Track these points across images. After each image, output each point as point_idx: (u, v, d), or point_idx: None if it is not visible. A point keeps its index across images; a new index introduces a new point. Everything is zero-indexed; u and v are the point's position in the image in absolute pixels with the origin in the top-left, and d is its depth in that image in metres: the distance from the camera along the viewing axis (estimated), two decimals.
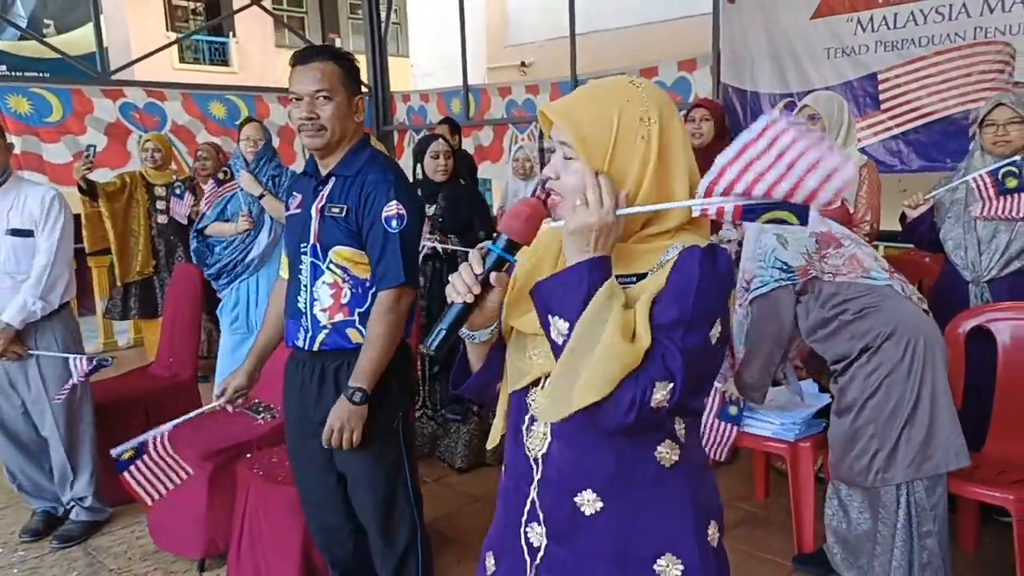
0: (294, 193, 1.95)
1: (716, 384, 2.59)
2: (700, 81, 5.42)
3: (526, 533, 1.17)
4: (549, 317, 1.03)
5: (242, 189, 3.54)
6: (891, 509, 2.20)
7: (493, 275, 1.04)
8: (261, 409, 2.98)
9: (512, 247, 1.05)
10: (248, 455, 2.61)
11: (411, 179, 3.35)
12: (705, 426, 2.63)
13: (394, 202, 1.78)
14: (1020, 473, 2.32)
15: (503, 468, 1.24)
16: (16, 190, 2.72)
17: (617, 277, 1.05)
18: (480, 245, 1.07)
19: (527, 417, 1.15)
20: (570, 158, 1.06)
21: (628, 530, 1.11)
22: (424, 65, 12.83)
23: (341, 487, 1.97)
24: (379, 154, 1.89)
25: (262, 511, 2.38)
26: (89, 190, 4.40)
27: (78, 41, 8.24)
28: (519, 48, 11.77)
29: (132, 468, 2.13)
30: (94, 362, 2.74)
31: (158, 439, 2.16)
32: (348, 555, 2.05)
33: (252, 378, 2.08)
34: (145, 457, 2.14)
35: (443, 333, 1.04)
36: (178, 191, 4.44)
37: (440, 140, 3.41)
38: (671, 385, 0.99)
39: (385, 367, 1.81)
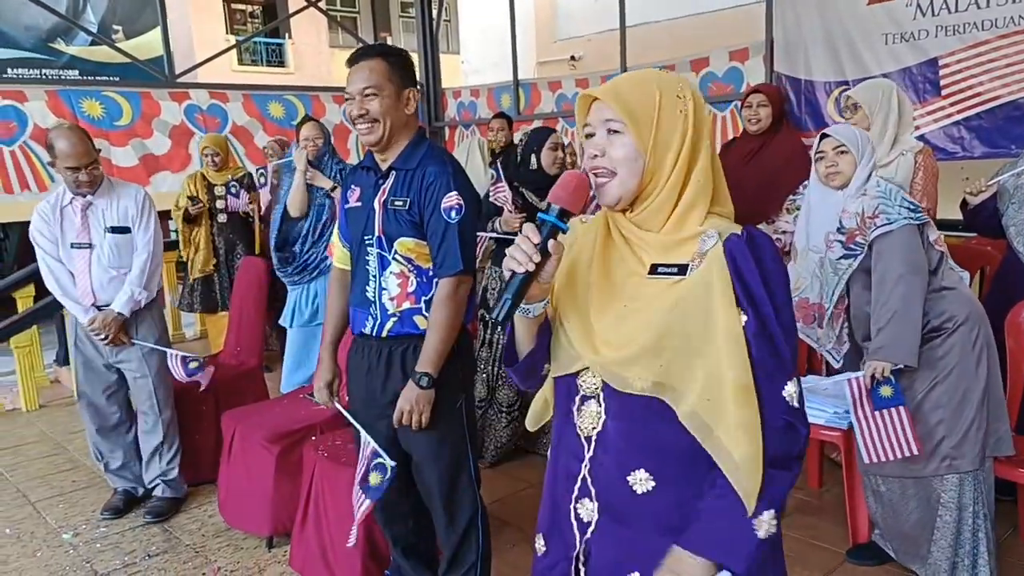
0: (352, 187, 2.04)
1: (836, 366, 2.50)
2: (752, 71, 5.36)
3: (576, 509, 1.22)
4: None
5: (311, 186, 3.63)
6: (953, 496, 2.19)
7: (551, 243, 1.09)
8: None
9: (564, 215, 1.10)
10: (313, 438, 2.73)
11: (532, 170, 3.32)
12: (861, 430, 2.28)
13: (453, 193, 1.85)
14: None
15: (550, 449, 1.28)
16: (110, 192, 2.97)
17: (659, 267, 1.12)
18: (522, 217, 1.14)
19: (578, 398, 1.20)
20: (616, 131, 1.13)
21: (681, 507, 1.15)
22: (474, 61, 12.93)
23: (404, 466, 2.06)
24: (437, 147, 1.97)
25: (327, 490, 2.49)
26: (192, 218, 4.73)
27: (146, 45, 8.60)
28: (568, 42, 11.77)
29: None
30: (188, 365, 3.01)
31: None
32: (408, 532, 2.14)
33: (333, 376, 2.17)
34: None
35: (508, 303, 1.09)
36: (233, 190, 4.64)
37: (556, 132, 3.27)
38: (794, 377, 1.11)
39: (448, 351, 1.89)
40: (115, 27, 10.16)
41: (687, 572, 1.11)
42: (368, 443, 2.00)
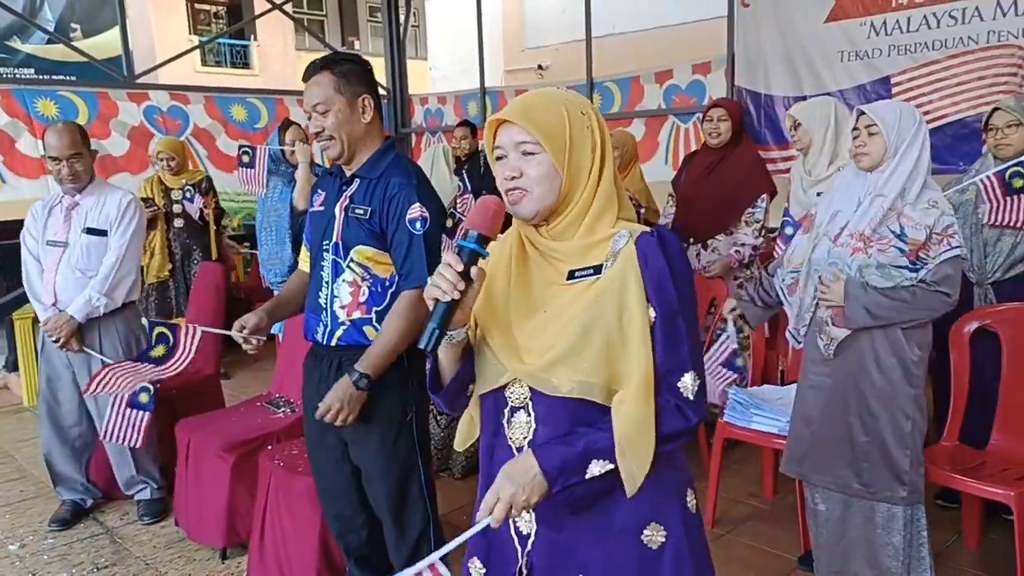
0: (318, 191, 2.02)
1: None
2: (714, 84, 5.46)
3: (515, 523, 1.23)
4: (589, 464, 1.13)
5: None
6: (899, 520, 2.15)
7: (473, 269, 1.11)
8: (281, 403, 3.09)
9: (482, 240, 1.13)
10: (269, 447, 2.70)
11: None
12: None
13: (417, 204, 1.84)
14: (1022, 470, 2.35)
15: (480, 466, 1.29)
16: (98, 193, 2.93)
17: (576, 272, 1.16)
18: (450, 244, 1.16)
19: (507, 410, 1.21)
20: (531, 153, 1.15)
21: (615, 505, 1.18)
22: (442, 68, 12.94)
23: (356, 478, 2.05)
24: (403, 157, 1.96)
25: (283, 501, 2.47)
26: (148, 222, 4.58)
27: (104, 45, 8.43)
28: (536, 51, 11.85)
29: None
30: (137, 396, 2.72)
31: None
32: (362, 543, 2.13)
33: (266, 321, 2.07)
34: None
35: (436, 332, 1.11)
36: (188, 194, 4.52)
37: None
38: (692, 372, 1.15)
39: (396, 360, 1.88)
40: (73, 25, 9.95)
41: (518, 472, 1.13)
42: None
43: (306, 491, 2.35)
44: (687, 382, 1.15)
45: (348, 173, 1.94)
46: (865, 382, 2.11)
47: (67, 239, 2.88)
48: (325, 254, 1.94)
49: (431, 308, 1.12)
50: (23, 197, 5.26)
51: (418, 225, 1.84)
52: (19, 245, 3.02)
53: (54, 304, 2.88)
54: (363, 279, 1.91)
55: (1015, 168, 2.46)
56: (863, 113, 2.10)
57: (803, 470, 2.29)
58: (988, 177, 2.50)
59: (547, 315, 1.17)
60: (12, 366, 4.95)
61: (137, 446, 2.72)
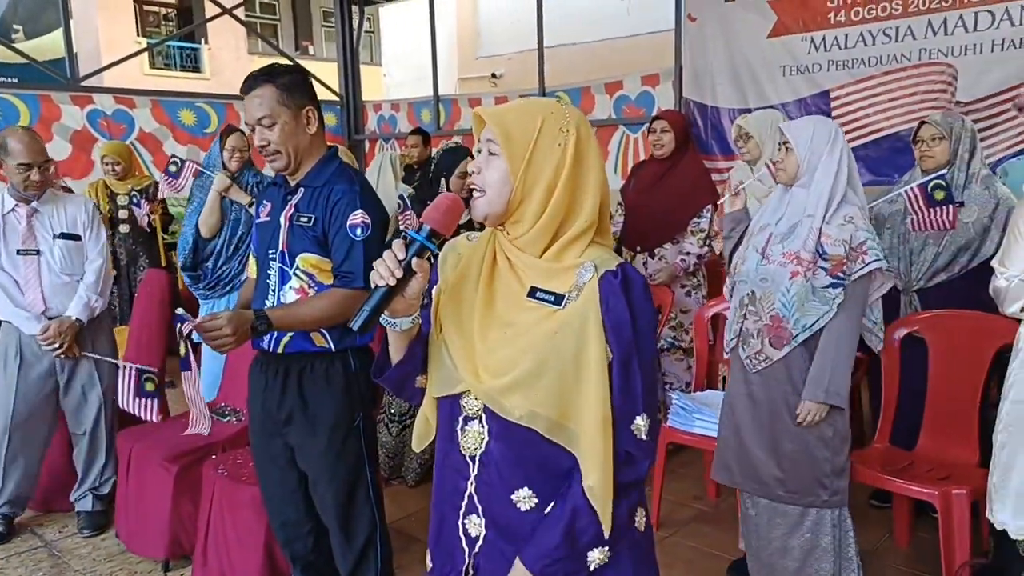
0: (264, 202, 2.03)
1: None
2: (663, 95, 5.58)
3: (464, 525, 1.25)
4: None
5: (226, 198, 3.55)
6: (827, 522, 2.22)
7: (415, 261, 1.12)
8: (227, 412, 3.06)
9: (433, 236, 1.13)
10: (213, 456, 2.67)
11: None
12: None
13: (359, 211, 1.86)
14: (947, 470, 2.47)
15: (435, 466, 1.31)
16: (54, 200, 2.93)
17: (537, 291, 1.18)
18: (403, 234, 1.17)
19: (461, 418, 1.23)
20: (494, 154, 1.18)
21: None
22: (396, 75, 12.92)
23: (302, 485, 2.05)
24: (347, 166, 1.97)
25: (227, 511, 2.44)
26: None
27: (48, 46, 8.21)
28: (490, 60, 11.93)
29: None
30: (143, 383, 2.69)
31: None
32: (308, 551, 2.12)
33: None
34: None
35: (366, 313, 1.11)
36: (135, 200, 4.44)
37: (469, 158, 3.23)
38: (644, 413, 1.18)
39: (341, 366, 1.90)
40: (15, 26, 9.67)
41: None
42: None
43: (250, 500, 2.34)
44: (639, 424, 1.17)
45: (292, 183, 1.95)
46: (790, 391, 2.19)
47: (38, 246, 2.84)
48: (272, 262, 1.94)
49: (372, 289, 1.13)
50: None
51: (359, 231, 1.86)
52: None
53: (44, 312, 2.83)
54: (309, 286, 1.92)
55: (936, 181, 2.58)
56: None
57: (732, 477, 2.36)
58: (912, 189, 2.62)
59: (507, 335, 1.18)
60: None
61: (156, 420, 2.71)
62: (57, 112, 5.64)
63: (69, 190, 4.83)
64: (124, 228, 4.61)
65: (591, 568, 1.17)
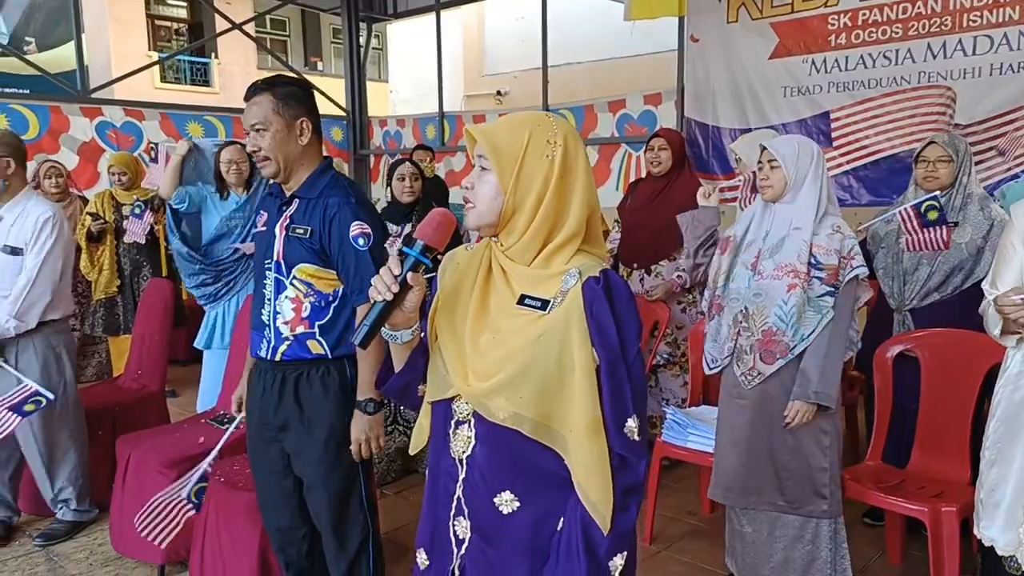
0: (261, 212, 2.07)
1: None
2: (665, 114, 5.64)
3: (453, 527, 1.28)
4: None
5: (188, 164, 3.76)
6: (825, 534, 2.27)
7: (410, 275, 1.17)
8: (226, 420, 3.08)
9: (427, 251, 1.18)
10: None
11: (387, 202, 3.51)
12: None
13: (357, 222, 1.90)
14: (939, 487, 2.48)
15: (428, 468, 1.35)
16: (22, 207, 2.81)
17: (525, 298, 1.21)
18: (398, 248, 1.21)
19: (453, 421, 1.26)
20: (485, 169, 1.22)
21: (541, 530, 1.23)
22: (403, 91, 13.07)
23: (297, 491, 2.07)
24: (342, 177, 2.01)
25: (222, 516, 2.46)
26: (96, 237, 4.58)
27: (59, 59, 8.34)
28: (496, 78, 12.06)
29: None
30: (30, 396, 2.69)
31: (210, 466, 2.24)
32: (302, 557, 2.14)
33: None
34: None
35: (366, 328, 1.16)
36: (137, 211, 4.46)
37: (407, 163, 3.50)
38: (634, 414, 1.20)
39: (336, 377, 1.94)
40: (28, 39, 9.82)
41: None
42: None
43: (246, 507, 2.36)
44: (631, 426, 1.19)
45: (287, 193, 1.99)
46: (785, 403, 2.22)
47: None
48: (268, 272, 1.98)
49: (371, 305, 1.17)
50: None
51: (361, 241, 1.90)
52: None
53: None
54: (306, 295, 1.95)
55: (929, 202, 2.61)
56: (765, 148, 2.27)
57: (730, 496, 2.38)
58: (906, 209, 2.65)
59: (495, 338, 1.22)
60: None
61: None
62: (66, 124, 5.74)
63: (85, 200, 4.90)
64: (128, 238, 4.65)
65: (615, 575, 1.20)
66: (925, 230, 2.62)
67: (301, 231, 1.92)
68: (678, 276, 3.46)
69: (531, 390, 1.17)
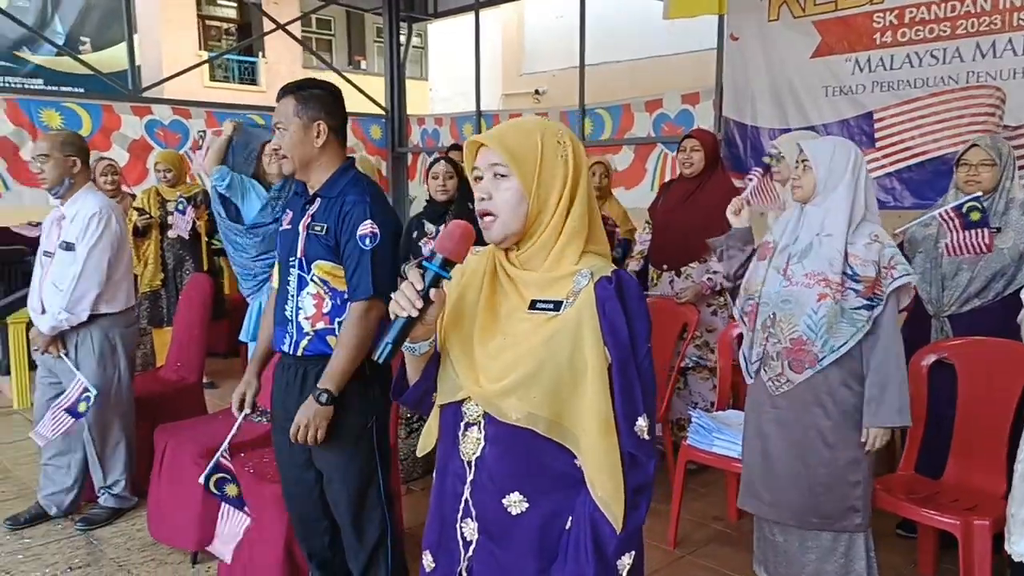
0: (287, 211, 2.14)
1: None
2: (702, 114, 5.57)
3: (461, 528, 1.29)
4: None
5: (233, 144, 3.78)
6: (860, 547, 2.22)
7: (432, 291, 1.17)
8: (260, 412, 3.15)
9: (447, 264, 1.18)
10: (242, 454, 2.76)
11: (426, 201, 3.52)
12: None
13: (368, 221, 1.95)
14: (973, 500, 2.41)
15: (435, 471, 1.36)
16: (79, 205, 2.97)
17: (537, 303, 1.22)
18: (417, 262, 1.22)
19: (463, 424, 1.28)
20: (502, 175, 1.22)
21: (550, 530, 1.24)
22: (442, 90, 13.16)
23: (319, 483, 2.12)
24: (361, 177, 2.07)
25: (251, 507, 2.52)
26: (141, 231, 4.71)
27: (112, 59, 8.59)
28: (534, 76, 12.06)
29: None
30: (81, 395, 2.88)
31: (223, 456, 2.28)
32: (324, 548, 2.19)
33: (259, 383, 2.25)
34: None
35: (390, 346, 1.16)
36: (180, 207, 4.59)
37: (442, 162, 3.49)
38: (644, 413, 1.20)
39: (354, 372, 1.96)
40: (83, 39, 10.13)
41: None
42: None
43: (273, 498, 2.42)
44: (641, 425, 1.20)
45: (311, 193, 2.05)
46: (820, 415, 2.17)
47: (54, 250, 2.97)
48: (291, 269, 2.04)
49: (392, 320, 1.18)
50: (23, 204, 5.38)
51: (367, 241, 1.94)
52: (16, 250, 3.13)
53: (43, 313, 2.97)
54: (325, 292, 2.01)
55: (971, 203, 2.53)
56: (800, 148, 2.21)
57: (760, 506, 2.33)
58: (946, 211, 2.58)
59: (506, 341, 1.23)
60: (4, 369, 5.03)
61: (41, 444, 2.94)
62: (117, 122, 5.91)
63: (134, 196, 5.07)
64: (172, 233, 4.79)
65: (624, 575, 1.20)
66: (967, 232, 2.54)
67: (319, 228, 1.98)
68: (708, 278, 3.43)
69: (543, 390, 1.18)
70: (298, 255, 2.02)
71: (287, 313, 2.05)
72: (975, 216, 2.57)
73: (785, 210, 3.04)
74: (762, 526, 2.42)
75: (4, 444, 4.10)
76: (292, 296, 2.04)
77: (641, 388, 1.20)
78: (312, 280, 2.01)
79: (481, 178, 1.25)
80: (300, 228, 2.02)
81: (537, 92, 11.72)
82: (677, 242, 3.50)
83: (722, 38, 5.34)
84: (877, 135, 4.71)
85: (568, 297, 1.20)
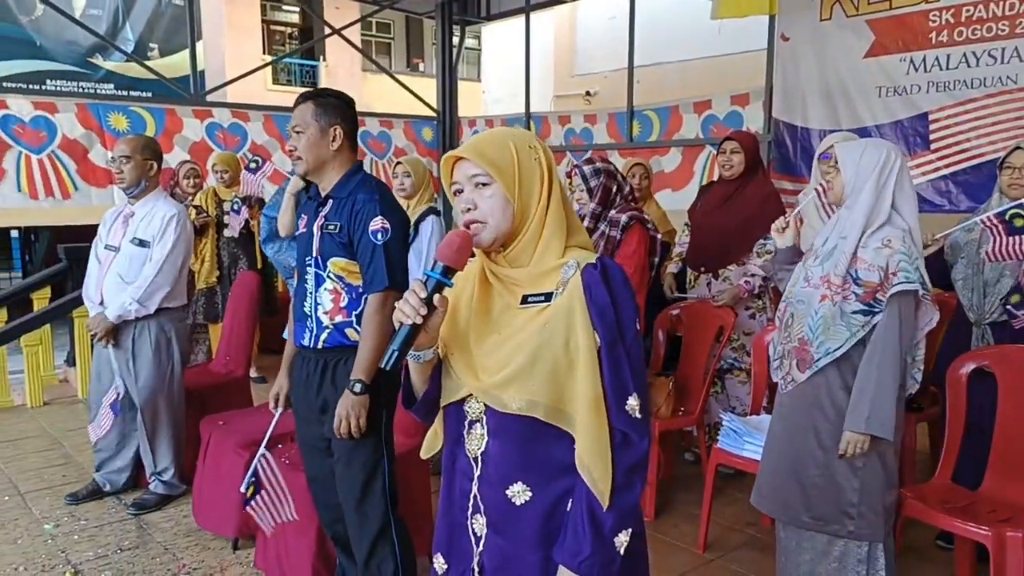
0: (302, 215, 2.25)
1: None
2: (752, 115, 5.50)
3: (472, 525, 1.34)
4: None
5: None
6: (853, 556, 2.15)
7: (436, 297, 1.22)
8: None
9: (448, 272, 1.22)
10: (280, 445, 2.87)
11: None
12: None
13: (379, 217, 2.06)
14: (1009, 512, 2.34)
15: (443, 473, 1.40)
16: (152, 204, 3.22)
17: (529, 297, 1.27)
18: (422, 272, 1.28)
19: (466, 422, 1.32)
20: (484, 184, 1.27)
21: (553, 518, 1.28)
22: (495, 91, 13.24)
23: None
24: (370, 177, 2.18)
25: (287, 492, 2.62)
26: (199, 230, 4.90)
27: (178, 64, 8.98)
28: (585, 78, 12.04)
29: (254, 502, 2.39)
30: (119, 396, 3.16)
31: (263, 462, 2.39)
32: (346, 532, 2.27)
33: (290, 383, 2.34)
34: (263, 493, 2.39)
35: (396, 353, 1.20)
36: (235, 207, 4.77)
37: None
38: (635, 392, 1.24)
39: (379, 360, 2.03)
40: (151, 45, 10.60)
41: None
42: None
43: (305, 487, 2.51)
44: (632, 403, 1.24)
45: (323, 194, 2.16)
46: (818, 416, 2.15)
47: (119, 245, 3.17)
48: (309, 268, 2.16)
49: (397, 329, 1.22)
50: (91, 204, 5.67)
51: (379, 236, 2.04)
52: (86, 248, 3.35)
53: (100, 303, 3.16)
54: (341, 287, 2.12)
55: (1015, 210, 2.46)
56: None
57: (764, 504, 2.34)
58: (989, 217, 2.50)
59: (501, 337, 1.28)
60: (72, 361, 5.32)
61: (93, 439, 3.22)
62: (179, 124, 6.16)
63: (193, 195, 5.28)
64: (228, 232, 4.97)
65: (621, 552, 1.24)
66: (1012, 238, 2.47)
67: (332, 227, 2.09)
68: (746, 281, 3.40)
69: (541, 377, 1.22)
70: (314, 254, 2.13)
71: (306, 309, 2.16)
72: (1019, 222, 2.50)
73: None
74: (776, 525, 2.41)
75: (69, 431, 4.35)
76: (311, 293, 2.14)
77: (630, 368, 1.24)
78: (328, 277, 2.12)
79: (461, 190, 1.30)
80: (315, 229, 2.13)
81: (588, 94, 11.70)
82: (715, 244, 3.48)
83: (772, 38, 5.27)
84: (932, 136, 4.58)
85: (558, 287, 1.25)
